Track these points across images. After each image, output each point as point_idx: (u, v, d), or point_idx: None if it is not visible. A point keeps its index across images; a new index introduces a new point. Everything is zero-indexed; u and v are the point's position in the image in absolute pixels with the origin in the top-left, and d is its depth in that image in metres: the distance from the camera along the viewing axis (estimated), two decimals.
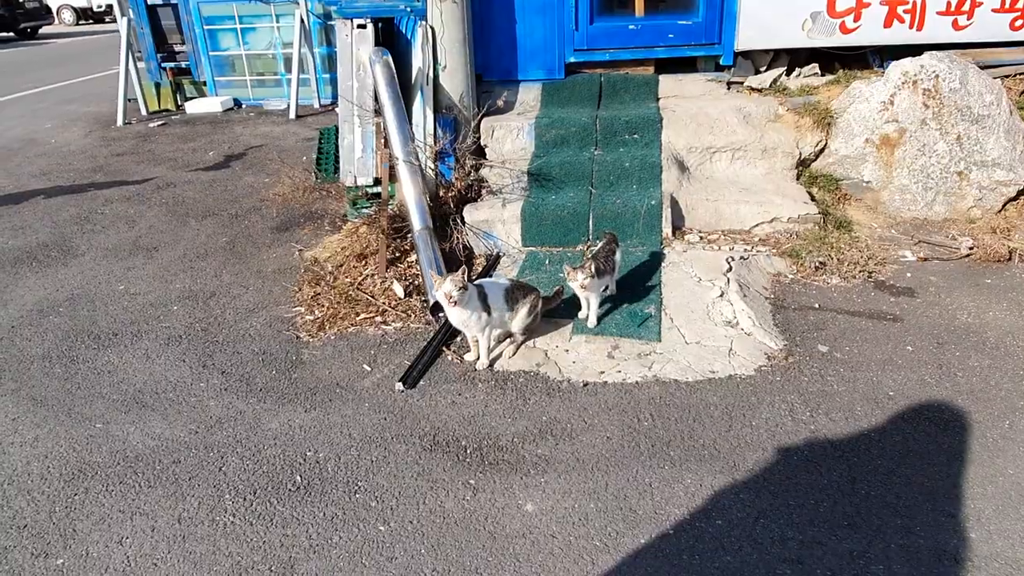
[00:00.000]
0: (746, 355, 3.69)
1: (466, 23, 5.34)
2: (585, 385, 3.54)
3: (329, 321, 4.34)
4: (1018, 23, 5.75)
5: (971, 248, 4.74)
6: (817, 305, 4.20)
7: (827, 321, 4.04)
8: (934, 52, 5.32)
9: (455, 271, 3.55)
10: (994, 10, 5.74)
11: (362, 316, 4.38)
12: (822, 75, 6.05)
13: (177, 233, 5.75)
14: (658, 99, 5.90)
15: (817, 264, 4.55)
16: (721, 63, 6.06)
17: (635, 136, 5.42)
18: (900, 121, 5.21)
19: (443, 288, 3.47)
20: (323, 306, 4.51)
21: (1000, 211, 5.22)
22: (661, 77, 6.00)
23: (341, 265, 5.01)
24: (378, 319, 4.34)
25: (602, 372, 3.63)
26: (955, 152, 5.15)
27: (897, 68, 5.26)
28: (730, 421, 3.21)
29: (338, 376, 3.79)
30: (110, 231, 5.85)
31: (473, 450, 3.14)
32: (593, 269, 3.82)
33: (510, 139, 5.53)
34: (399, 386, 3.63)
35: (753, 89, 5.94)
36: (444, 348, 3.97)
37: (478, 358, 3.78)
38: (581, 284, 3.82)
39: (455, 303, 3.47)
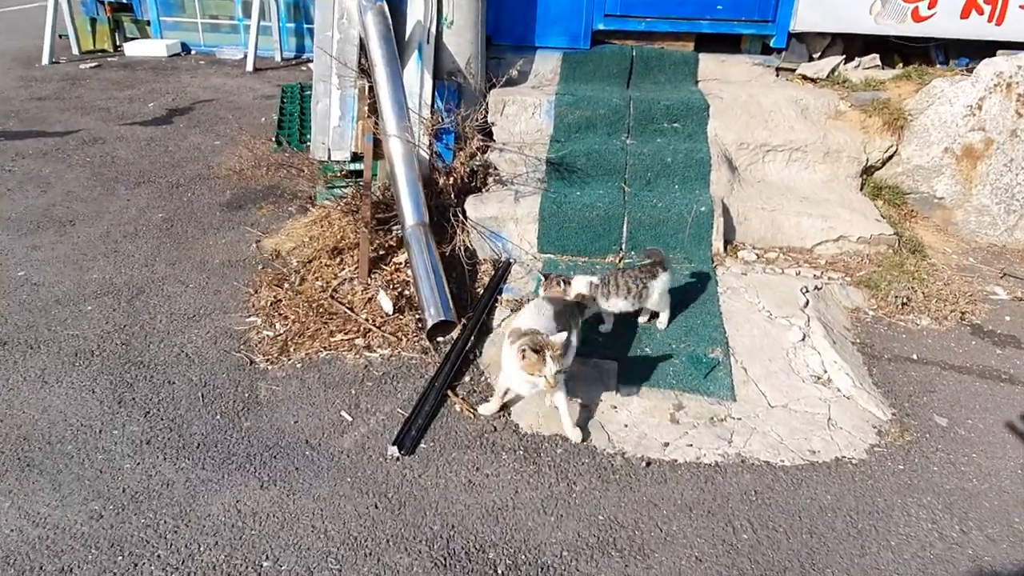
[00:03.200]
0: (850, 427, 2.83)
1: None
2: (648, 465, 2.63)
3: (295, 340, 3.32)
4: None
5: None
6: (915, 356, 3.38)
7: (933, 379, 3.21)
8: None
9: (546, 338, 2.53)
10: None
11: (338, 336, 3.37)
12: (882, 68, 5.21)
13: (101, 203, 4.60)
14: (697, 81, 4.97)
15: (903, 300, 3.73)
16: (771, 45, 5.15)
17: (675, 125, 4.48)
18: (987, 130, 4.41)
19: (546, 372, 2.45)
20: (286, 318, 3.48)
21: None
22: (701, 55, 5.06)
23: (310, 261, 3.98)
24: (359, 342, 3.34)
25: (667, 444, 2.72)
26: None
27: (990, 67, 4.45)
28: (860, 539, 2.34)
29: (307, 428, 2.79)
30: (16, 195, 4.67)
31: (506, 569, 2.20)
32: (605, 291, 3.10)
33: (524, 117, 4.52)
34: (393, 451, 2.66)
35: (806, 78, 5.06)
36: (449, 393, 3.00)
37: (499, 410, 2.84)
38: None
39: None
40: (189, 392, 2.96)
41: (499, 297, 3.67)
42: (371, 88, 4.14)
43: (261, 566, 2.18)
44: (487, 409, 2.86)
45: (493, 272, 3.91)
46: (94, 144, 5.53)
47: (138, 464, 2.58)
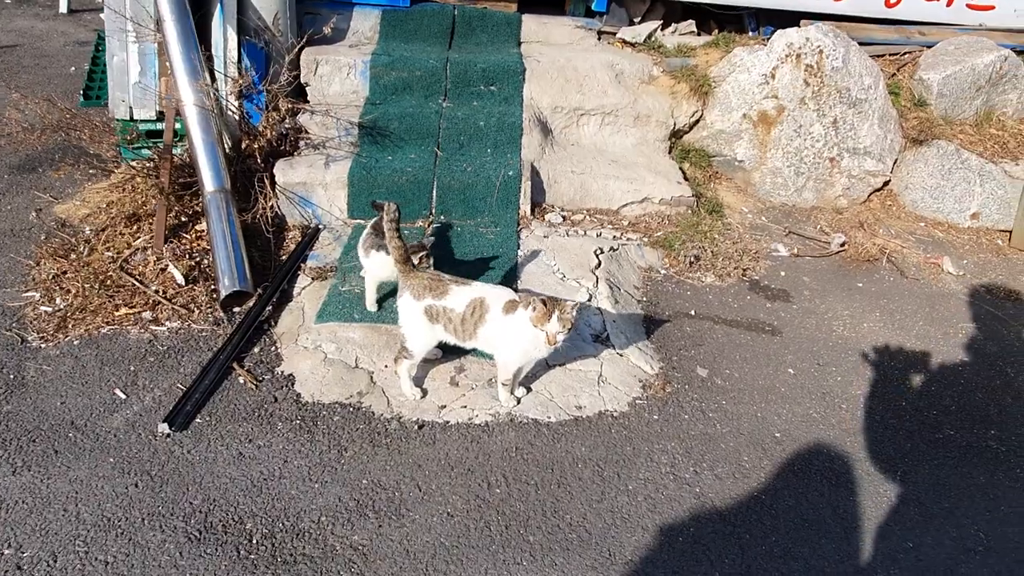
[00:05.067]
0: (618, 383, 3.06)
1: None
2: (421, 427, 2.74)
3: (75, 316, 3.18)
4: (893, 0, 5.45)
5: (842, 245, 4.42)
6: (693, 312, 3.66)
7: (704, 333, 3.50)
8: (819, 24, 4.87)
9: (545, 297, 2.63)
10: None
11: (123, 310, 3.26)
12: (698, 34, 5.46)
13: None
14: (520, 43, 5.03)
15: (692, 259, 4.01)
16: (593, 8, 5.27)
17: (492, 88, 4.53)
18: (780, 98, 4.74)
19: (548, 327, 2.55)
20: (68, 292, 3.32)
21: (865, 202, 4.98)
22: (524, 16, 5.11)
23: (104, 230, 3.78)
24: (147, 315, 3.24)
25: (443, 407, 2.85)
26: (830, 136, 4.79)
27: (782, 38, 4.76)
28: (603, 485, 2.56)
29: (75, 409, 2.71)
30: None
31: (261, 539, 2.26)
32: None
33: (339, 79, 4.43)
34: (163, 428, 2.63)
35: (626, 42, 5.23)
36: (235, 366, 2.98)
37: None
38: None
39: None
40: None
41: (302, 265, 3.65)
42: None
43: (1, 554, 2.13)
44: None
45: (301, 238, 3.87)
46: None
47: None
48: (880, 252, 4.40)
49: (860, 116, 4.79)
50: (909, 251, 4.51)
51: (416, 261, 3.05)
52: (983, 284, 4.24)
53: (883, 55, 5.48)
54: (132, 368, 2.93)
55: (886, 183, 5.00)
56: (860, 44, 5.11)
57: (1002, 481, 2.85)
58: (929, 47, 5.44)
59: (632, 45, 5.22)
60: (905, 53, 5.49)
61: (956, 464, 2.90)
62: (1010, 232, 4.77)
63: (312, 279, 3.54)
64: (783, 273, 4.15)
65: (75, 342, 3.04)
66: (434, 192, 4.02)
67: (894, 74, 5.35)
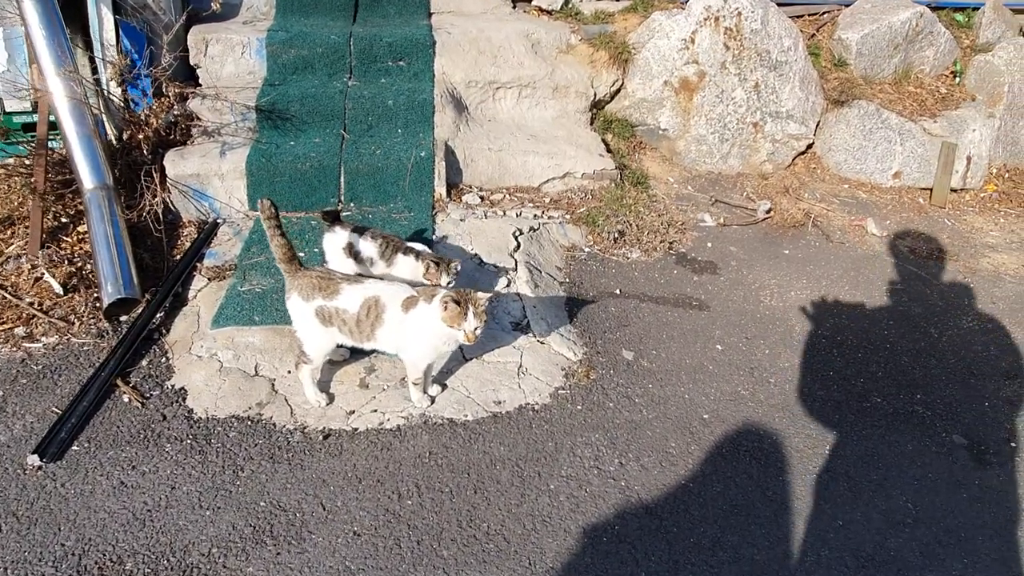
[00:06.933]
0: (539, 373, 2.90)
1: None
2: (326, 437, 2.53)
3: None
4: None
5: (768, 212, 4.35)
6: (619, 291, 3.52)
7: (630, 313, 3.37)
8: None
9: (454, 294, 2.41)
10: None
11: None
12: None
13: None
14: (430, 14, 4.76)
15: (616, 235, 3.87)
16: None
17: (401, 64, 4.27)
18: (701, 63, 4.60)
19: (466, 326, 2.35)
20: None
21: (790, 166, 4.92)
22: None
23: None
24: (19, 331, 2.93)
25: (352, 412, 2.64)
26: (752, 101, 4.69)
27: (700, 1, 4.60)
28: (523, 487, 2.41)
29: None
30: None
31: None
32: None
33: (232, 59, 4.10)
34: (33, 460, 2.36)
35: (542, 10, 5.01)
36: (119, 382, 2.71)
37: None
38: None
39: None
40: None
41: (199, 264, 3.37)
42: None
43: None
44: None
45: (197, 235, 3.57)
46: None
47: None
48: (805, 217, 4.35)
49: (781, 79, 4.70)
50: (834, 214, 4.47)
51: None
52: (907, 244, 4.23)
53: (802, 15, 5.41)
54: (1, 393, 2.63)
55: (810, 146, 4.94)
56: (779, 5, 5.00)
57: (929, 447, 2.82)
58: (847, 6, 5.38)
59: (548, 12, 5.00)
60: (824, 13, 5.42)
61: (884, 433, 2.86)
62: (930, 190, 4.79)
63: (209, 279, 3.27)
64: (710, 244, 4.05)
65: None
66: (342, 178, 3.76)
67: (813, 35, 5.28)
